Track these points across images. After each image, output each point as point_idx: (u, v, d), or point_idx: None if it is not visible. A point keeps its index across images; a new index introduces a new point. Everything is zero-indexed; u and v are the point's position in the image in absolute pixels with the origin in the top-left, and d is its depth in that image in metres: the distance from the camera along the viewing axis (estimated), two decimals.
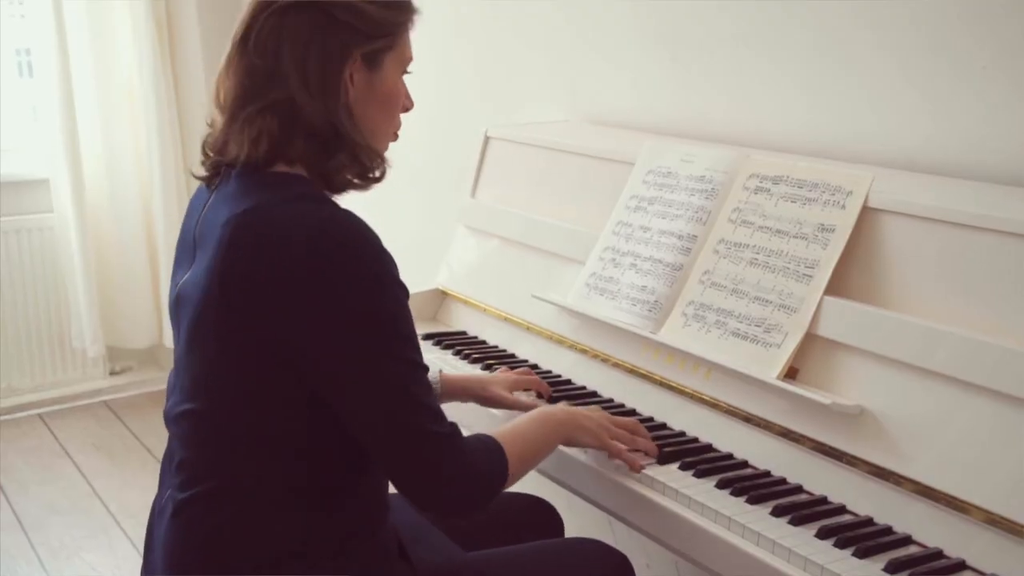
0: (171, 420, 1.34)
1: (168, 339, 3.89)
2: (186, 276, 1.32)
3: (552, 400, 1.70)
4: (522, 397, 1.67)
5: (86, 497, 3.16)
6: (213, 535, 1.27)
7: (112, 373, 4.01)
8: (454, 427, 1.29)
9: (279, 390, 1.25)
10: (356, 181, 1.32)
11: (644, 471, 1.46)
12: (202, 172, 1.36)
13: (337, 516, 1.30)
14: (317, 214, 1.22)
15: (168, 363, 4.03)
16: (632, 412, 1.67)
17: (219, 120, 1.32)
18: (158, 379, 4.04)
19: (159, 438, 3.55)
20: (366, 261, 1.21)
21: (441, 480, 1.26)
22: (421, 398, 1.25)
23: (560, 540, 1.68)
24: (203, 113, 4.11)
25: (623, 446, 1.47)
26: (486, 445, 1.34)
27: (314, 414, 1.26)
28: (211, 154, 1.33)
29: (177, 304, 1.33)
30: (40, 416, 3.76)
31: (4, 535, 2.92)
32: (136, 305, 3.87)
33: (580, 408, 1.52)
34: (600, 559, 1.53)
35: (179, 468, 1.31)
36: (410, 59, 1.36)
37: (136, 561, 2.78)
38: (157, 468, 3.42)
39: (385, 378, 1.22)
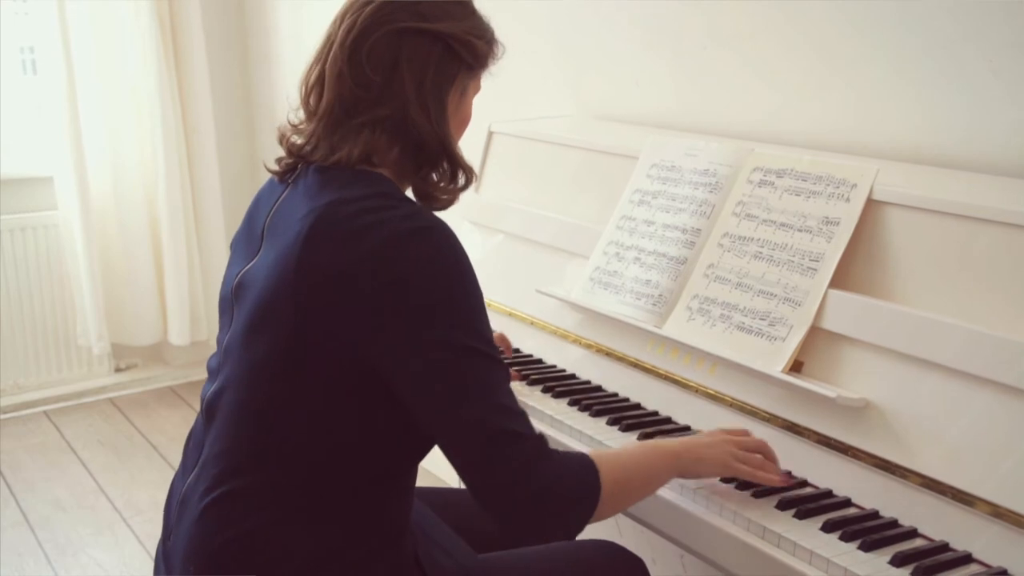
0: (211, 404, 1.32)
1: (173, 337, 3.89)
2: (250, 265, 1.32)
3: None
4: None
5: (92, 494, 3.17)
6: (245, 537, 1.24)
7: (117, 370, 4.02)
8: (541, 434, 1.23)
9: (342, 388, 1.22)
10: (449, 197, 1.36)
11: None
12: (275, 167, 1.37)
13: (368, 523, 1.28)
14: (398, 210, 1.23)
15: (173, 360, 4.05)
16: (637, 406, 1.67)
17: (308, 121, 1.33)
18: (163, 376, 4.05)
19: (165, 435, 3.57)
20: (447, 260, 1.21)
21: (520, 485, 1.18)
22: (502, 398, 1.21)
23: (575, 542, 1.61)
24: (206, 109, 4.08)
25: (752, 468, 1.38)
26: (579, 460, 1.26)
27: (369, 416, 1.24)
28: (293, 155, 1.33)
29: (237, 291, 1.32)
30: (46, 413, 3.77)
31: (10, 532, 2.93)
32: (141, 302, 3.88)
33: (695, 438, 1.42)
34: (615, 563, 1.50)
35: (216, 458, 1.28)
36: (480, 88, 1.41)
37: (143, 557, 2.79)
38: (163, 465, 3.41)
39: (465, 375, 1.19)
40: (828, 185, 1.53)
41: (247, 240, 1.38)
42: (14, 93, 3.72)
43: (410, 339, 1.18)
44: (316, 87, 1.32)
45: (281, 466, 1.25)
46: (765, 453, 1.41)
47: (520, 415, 1.22)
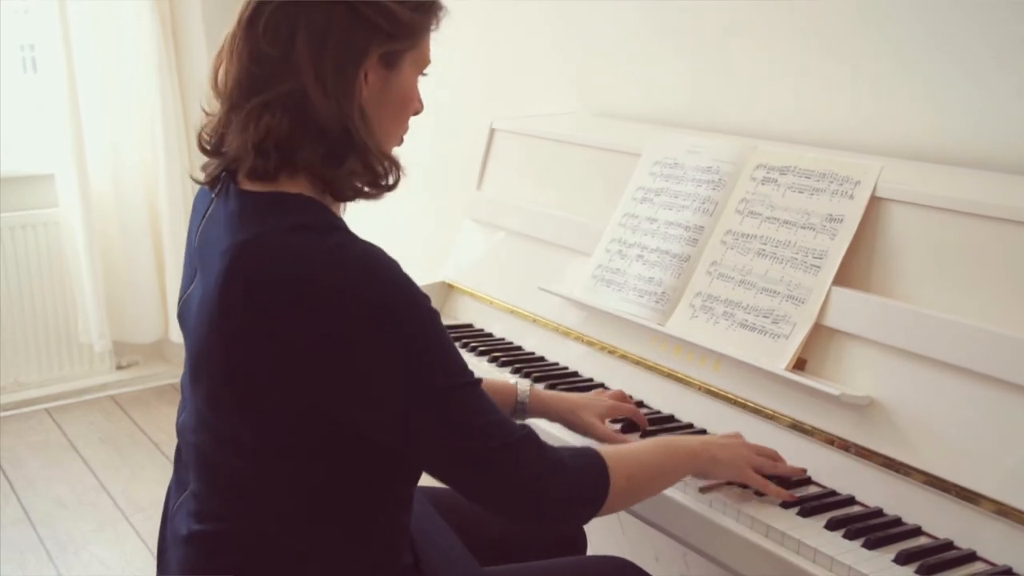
0: (181, 437, 1.28)
1: (174, 334, 3.89)
2: (190, 291, 1.25)
3: (646, 433, 1.56)
4: (613, 427, 1.55)
5: (93, 491, 3.16)
6: (231, 566, 1.21)
7: (119, 368, 4.01)
8: (524, 428, 1.18)
9: (292, 434, 1.15)
10: (367, 189, 1.21)
11: None
12: (200, 175, 1.24)
13: (355, 555, 1.23)
14: (323, 245, 1.11)
15: (174, 357, 4.05)
16: (640, 404, 1.67)
17: (217, 107, 1.21)
18: (165, 374, 4.04)
19: (166, 433, 3.57)
20: (388, 292, 1.10)
21: (528, 486, 1.16)
22: (483, 418, 1.15)
23: (584, 558, 1.62)
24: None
25: (765, 479, 1.36)
26: (581, 451, 1.23)
27: (329, 454, 1.17)
28: (207, 147, 1.22)
29: (181, 319, 1.27)
30: (47, 411, 3.76)
31: (12, 529, 2.93)
32: (142, 300, 3.87)
33: (714, 437, 1.42)
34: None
35: (194, 496, 1.24)
36: (428, 62, 1.26)
37: (144, 555, 2.78)
38: (164, 462, 3.41)
39: (444, 415, 1.13)
40: (832, 182, 1.53)
41: (187, 255, 1.30)
42: (14, 91, 3.71)
43: (377, 393, 1.11)
44: (221, 67, 1.20)
45: (252, 511, 1.20)
46: (775, 456, 1.41)
47: (503, 423, 1.17)
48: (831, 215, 1.51)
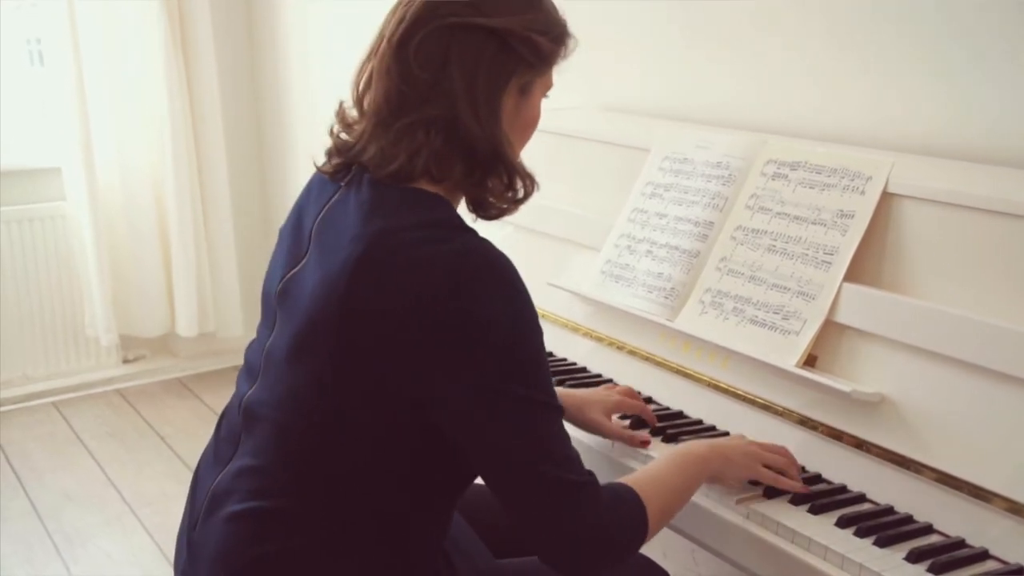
0: (250, 410, 1.28)
1: (182, 328, 3.89)
2: (296, 271, 1.27)
3: (655, 431, 1.55)
4: (620, 423, 1.55)
5: (100, 485, 3.17)
6: (275, 558, 1.22)
7: (125, 361, 4.02)
8: (591, 476, 1.20)
9: (386, 426, 1.20)
10: (506, 206, 1.29)
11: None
12: (326, 166, 1.30)
13: (400, 555, 1.25)
14: (454, 244, 1.17)
15: (181, 351, 4.05)
16: (649, 400, 1.66)
17: (358, 120, 1.28)
18: (171, 367, 4.05)
19: (173, 426, 3.57)
20: (504, 297, 1.16)
21: (573, 534, 1.17)
22: (553, 443, 1.18)
23: None
24: (214, 100, 4.06)
25: (777, 474, 1.36)
26: (624, 497, 1.23)
27: (412, 450, 1.21)
28: (343, 154, 1.28)
29: (282, 296, 1.29)
30: (54, 404, 3.77)
31: (19, 523, 2.93)
32: (149, 294, 3.87)
33: (720, 440, 1.41)
34: (638, 573, 1.47)
35: (253, 472, 1.25)
36: (552, 85, 1.33)
37: (151, 548, 2.79)
38: (171, 456, 3.42)
39: (517, 422, 1.15)
40: (843, 178, 1.52)
41: (294, 236, 1.33)
42: (21, 85, 3.71)
43: (464, 387, 1.15)
44: (366, 84, 1.26)
45: (317, 495, 1.22)
46: (783, 452, 1.40)
47: (572, 460, 1.19)
48: (842, 211, 1.50)
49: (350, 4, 3.24)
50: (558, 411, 1.20)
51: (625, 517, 1.22)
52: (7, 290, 3.69)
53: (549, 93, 1.34)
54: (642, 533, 1.23)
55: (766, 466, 1.37)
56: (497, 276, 1.17)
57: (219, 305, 3.98)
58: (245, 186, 4.01)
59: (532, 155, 2.16)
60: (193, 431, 3.51)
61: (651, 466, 1.33)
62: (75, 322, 3.84)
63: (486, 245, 1.19)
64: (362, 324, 1.17)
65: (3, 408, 3.69)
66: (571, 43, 1.30)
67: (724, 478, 1.36)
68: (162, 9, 3.61)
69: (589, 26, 2.43)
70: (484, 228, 2.16)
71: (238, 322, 3.98)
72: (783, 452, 1.40)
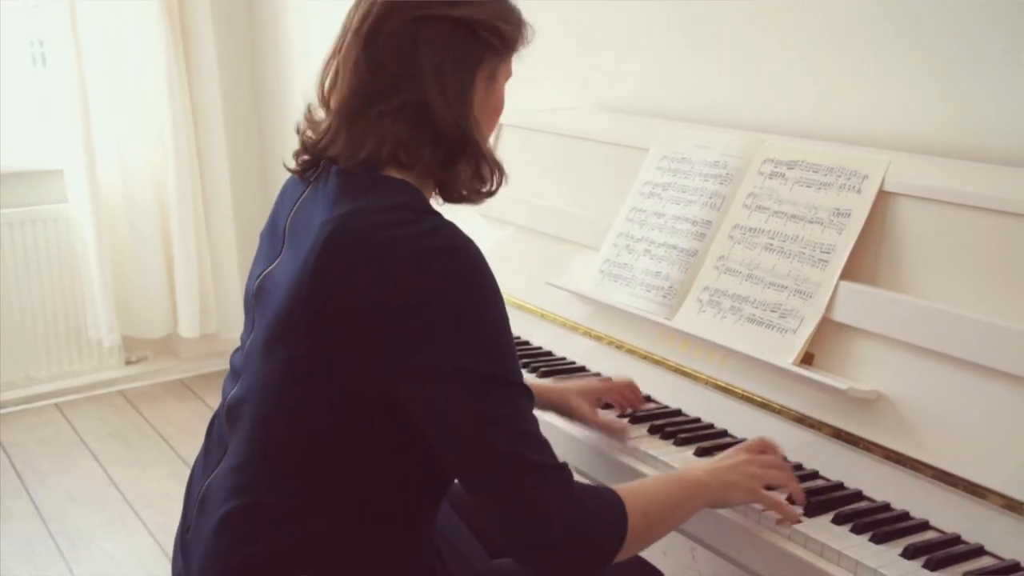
0: (232, 409, 1.29)
1: (184, 329, 3.90)
2: (272, 267, 1.29)
3: (637, 419, 1.57)
4: (606, 415, 1.56)
5: (103, 486, 3.18)
6: (262, 556, 1.22)
7: (128, 363, 4.03)
8: (564, 464, 1.18)
9: (358, 412, 1.19)
10: (470, 194, 1.31)
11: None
12: (294, 165, 1.32)
13: (388, 546, 1.25)
14: (420, 226, 1.18)
15: (183, 352, 4.06)
16: (647, 398, 1.67)
17: (325, 116, 1.29)
18: (173, 369, 4.06)
19: (175, 427, 3.58)
20: (470, 282, 1.17)
21: (542, 519, 1.14)
22: (524, 424, 1.16)
23: None
24: (216, 101, 4.06)
25: (780, 497, 1.33)
26: (603, 496, 1.20)
27: (392, 440, 1.20)
28: (311, 148, 1.29)
29: (258, 293, 1.30)
30: (57, 405, 3.78)
31: (22, 524, 2.94)
32: (151, 295, 3.89)
33: (721, 460, 1.36)
34: (633, 574, 1.46)
35: (236, 469, 1.26)
36: (511, 74, 1.35)
37: (153, 549, 2.80)
38: (173, 457, 3.42)
39: (486, 405, 1.14)
40: (839, 176, 1.53)
41: (271, 237, 1.35)
42: (23, 86, 3.72)
43: (428, 366, 1.14)
44: (332, 79, 1.28)
45: (299, 487, 1.22)
46: (781, 466, 1.38)
47: (542, 444, 1.17)
48: (839, 209, 1.50)
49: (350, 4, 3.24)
50: (527, 393, 1.19)
51: (602, 518, 1.18)
52: (10, 292, 3.70)
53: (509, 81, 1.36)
54: (619, 534, 1.19)
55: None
56: (462, 257, 1.18)
57: (221, 306, 3.99)
58: (246, 187, 4.01)
59: (531, 154, 2.17)
60: (195, 432, 3.51)
61: (642, 480, 1.32)
62: (77, 323, 3.86)
63: (452, 228, 1.20)
64: (330, 309, 1.17)
65: (6, 410, 3.70)
66: (529, 32, 1.33)
67: (726, 504, 1.33)
68: (163, 10, 3.62)
69: (589, 26, 2.45)
70: (484, 228, 2.17)
71: (240, 323, 3.98)
72: (779, 465, 1.37)
